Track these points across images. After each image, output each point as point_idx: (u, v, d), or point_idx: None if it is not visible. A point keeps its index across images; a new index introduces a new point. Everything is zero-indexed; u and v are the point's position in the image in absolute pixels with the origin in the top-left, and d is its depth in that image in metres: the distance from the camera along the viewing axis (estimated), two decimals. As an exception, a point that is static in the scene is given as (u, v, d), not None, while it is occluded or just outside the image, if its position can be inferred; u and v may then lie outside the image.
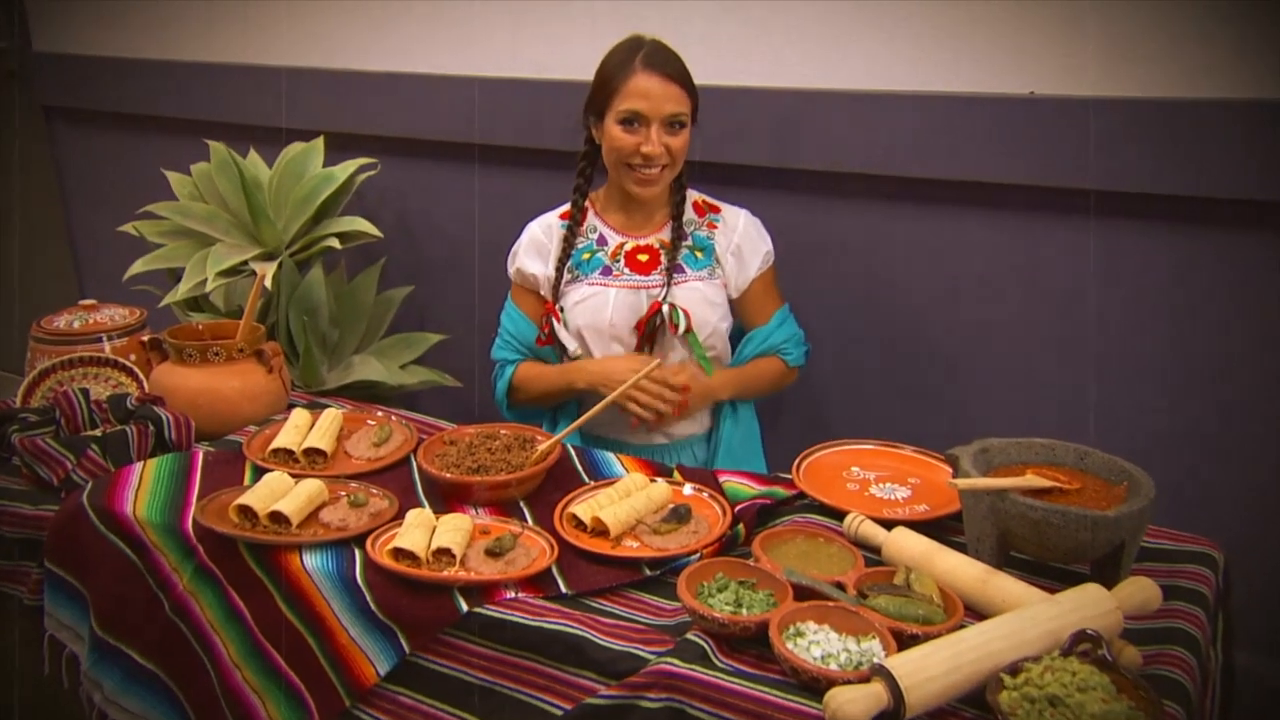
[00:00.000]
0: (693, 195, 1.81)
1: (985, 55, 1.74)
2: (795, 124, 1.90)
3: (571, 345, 1.75)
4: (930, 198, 1.84)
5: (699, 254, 1.77)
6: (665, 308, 1.71)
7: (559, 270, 1.77)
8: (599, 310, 1.73)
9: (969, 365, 1.89)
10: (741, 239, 1.79)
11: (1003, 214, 1.79)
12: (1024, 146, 1.71)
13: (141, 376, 1.77)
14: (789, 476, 1.45)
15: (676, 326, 1.71)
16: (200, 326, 1.77)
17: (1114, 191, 1.67)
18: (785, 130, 1.91)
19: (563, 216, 1.81)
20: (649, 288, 1.74)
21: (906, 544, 1.23)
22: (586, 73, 1.75)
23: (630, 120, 1.66)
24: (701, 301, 1.75)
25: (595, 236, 1.78)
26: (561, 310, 1.76)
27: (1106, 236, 1.72)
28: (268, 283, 1.99)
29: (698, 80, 1.70)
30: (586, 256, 1.77)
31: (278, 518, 1.32)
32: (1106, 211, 1.70)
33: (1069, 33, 1.67)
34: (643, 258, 1.76)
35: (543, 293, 1.79)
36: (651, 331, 1.72)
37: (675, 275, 1.75)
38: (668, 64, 1.66)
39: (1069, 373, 1.80)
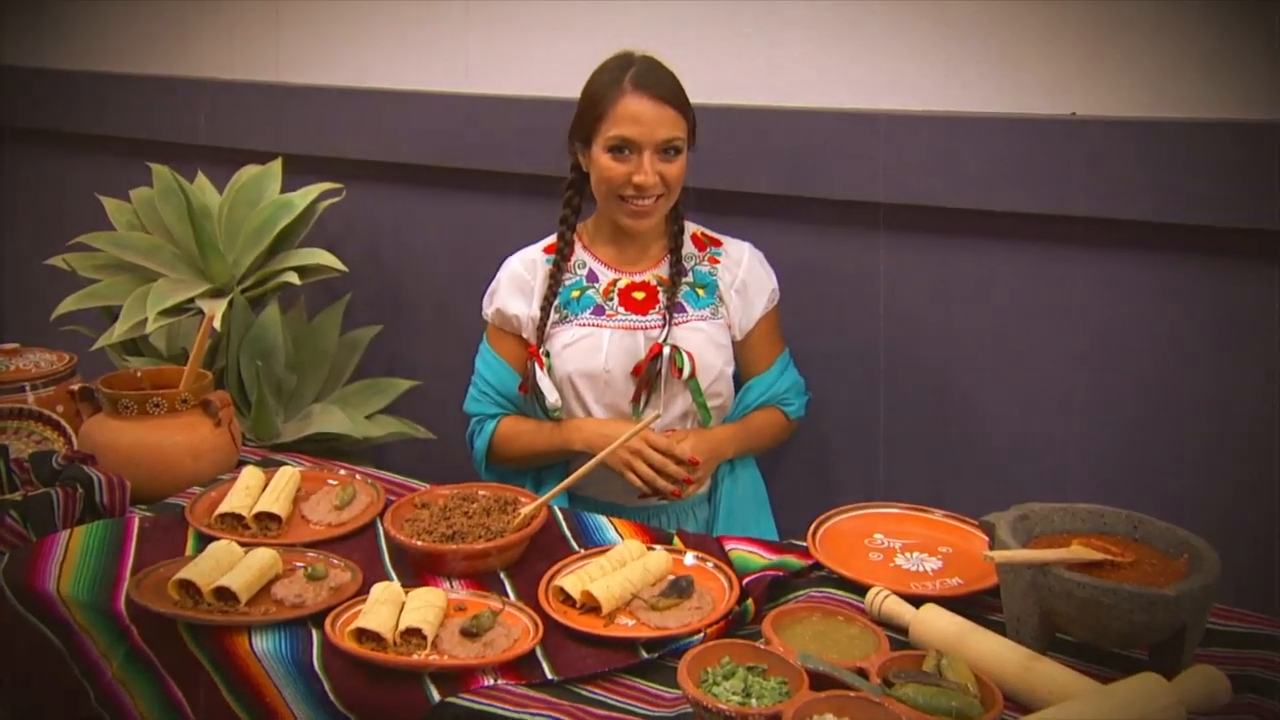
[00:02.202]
0: (691, 227, 1.83)
1: (1021, 71, 1.76)
2: (806, 147, 1.91)
3: (552, 396, 1.74)
4: (959, 230, 1.86)
5: (700, 291, 1.78)
6: (667, 350, 1.71)
7: (544, 310, 1.77)
8: (591, 354, 1.74)
9: (1004, 417, 1.89)
10: (747, 275, 1.81)
11: (1041, 247, 1.80)
12: (1066, 173, 1.72)
13: (70, 431, 1.77)
14: (803, 544, 1.45)
15: (680, 370, 1.71)
16: (138, 374, 1.77)
17: (1168, 223, 1.68)
18: (795, 154, 1.92)
19: (548, 250, 1.81)
20: (646, 329, 1.75)
21: (937, 624, 1.22)
22: (575, 90, 1.76)
23: (620, 148, 1.67)
24: (706, 343, 1.75)
25: (585, 272, 1.79)
26: (547, 355, 1.76)
27: (1161, 273, 1.73)
28: (216, 323, 1.99)
29: (695, 99, 1.72)
30: (576, 294, 1.78)
31: (224, 594, 1.31)
32: (1161, 245, 1.71)
33: (1116, 47, 1.69)
34: (638, 295, 1.77)
35: (525, 335, 1.80)
36: (651, 377, 1.72)
37: (675, 315, 1.75)
38: (660, 84, 1.67)
39: (1118, 427, 1.80)
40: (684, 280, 1.78)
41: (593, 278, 1.79)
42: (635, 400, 1.74)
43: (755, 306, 1.81)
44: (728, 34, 1.98)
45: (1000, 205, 1.79)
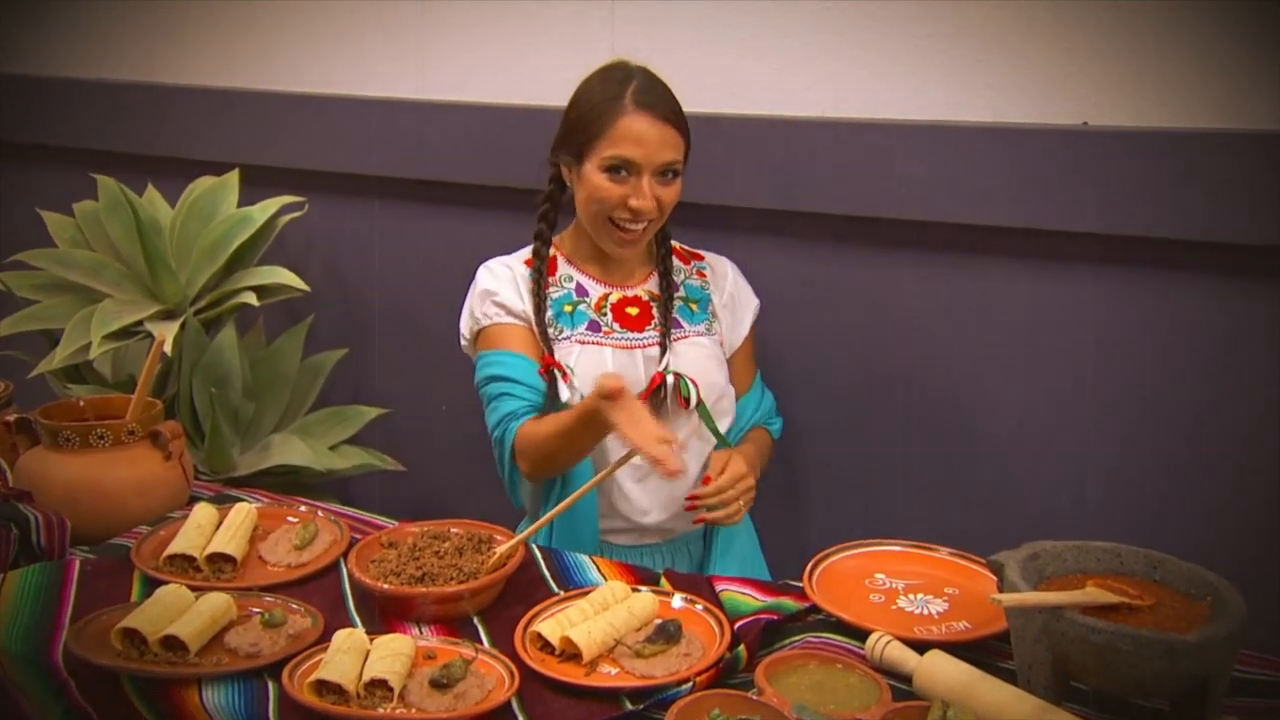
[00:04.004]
0: (671, 241, 1.84)
1: (1030, 79, 1.77)
2: (802, 159, 1.92)
3: (565, 395, 1.66)
4: (963, 245, 1.87)
5: (694, 306, 1.80)
6: (670, 379, 1.71)
7: (540, 325, 1.76)
8: (596, 375, 1.73)
9: (1014, 447, 1.89)
10: (734, 290, 1.85)
11: (1050, 264, 1.81)
12: (1077, 186, 1.73)
13: (4, 466, 1.76)
14: (799, 585, 1.45)
15: (687, 400, 1.71)
16: (81, 403, 1.76)
17: (1185, 240, 1.69)
18: (790, 166, 1.93)
19: (526, 263, 1.81)
20: (644, 346, 1.75)
21: (943, 672, 1.22)
22: (552, 98, 1.77)
23: (618, 168, 1.67)
24: (708, 360, 1.77)
25: (572, 286, 1.80)
26: (569, 369, 1.70)
27: (1179, 293, 1.74)
28: (167, 348, 1.98)
29: (695, 109, 1.72)
30: (568, 309, 1.77)
31: (172, 643, 1.30)
32: (1179, 263, 1.72)
33: (1130, 54, 1.71)
34: (632, 311, 1.78)
35: (534, 330, 1.74)
36: (655, 408, 1.71)
37: (673, 330, 1.77)
38: (663, 102, 1.67)
39: (1135, 458, 1.80)
40: (676, 295, 1.79)
41: (582, 291, 1.79)
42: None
43: (743, 324, 1.84)
44: (719, 41, 1.99)
45: (1007, 220, 1.80)
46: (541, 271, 1.78)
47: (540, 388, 1.71)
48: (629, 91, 1.67)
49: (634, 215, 1.68)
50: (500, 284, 1.77)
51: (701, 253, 1.86)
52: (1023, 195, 1.77)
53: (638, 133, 1.65)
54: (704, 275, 1.83)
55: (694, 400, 1.71)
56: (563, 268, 1.80)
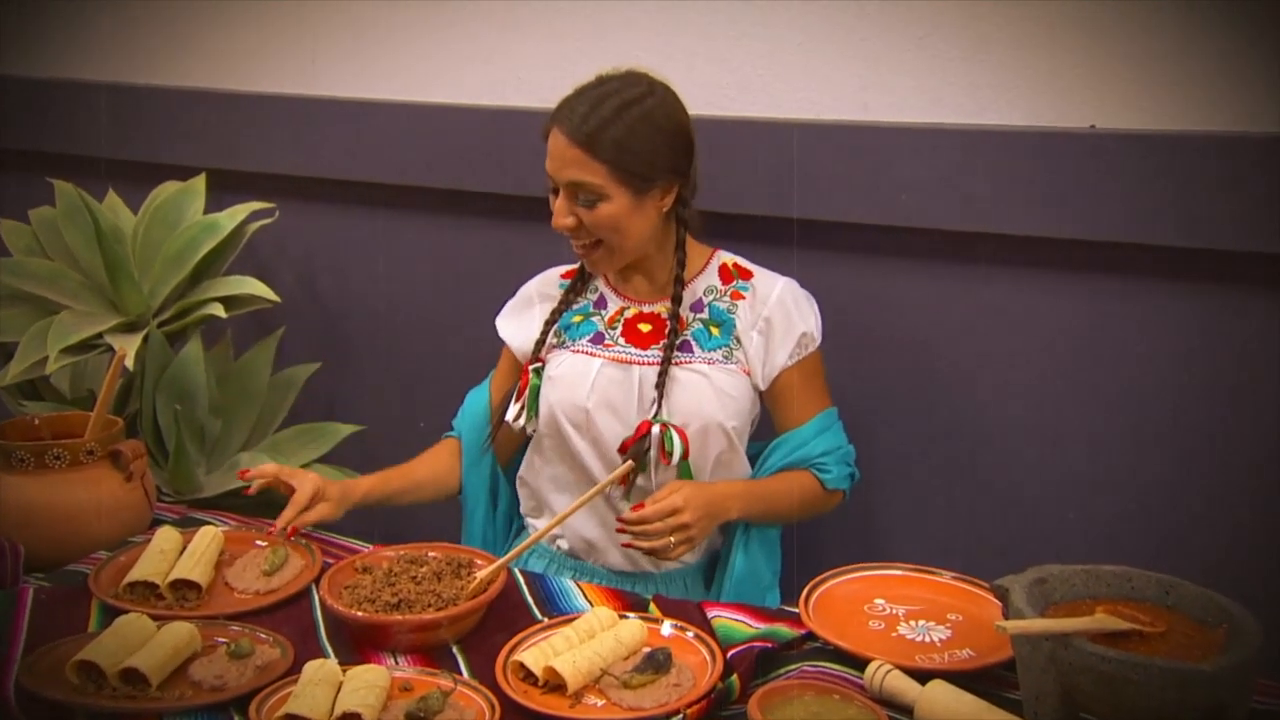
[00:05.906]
0: (724, 257, 1.83)
1: (1035, 81, 1.78)
2: (797, 164, 1.93)
3: (511, 412, 1.80)
4: (964, 254, 1.87)
5: (714, 330, 1.76)
6: (656, 429, 1.69)
7: (545, 331, 1.81)
8: (575, 385, 1.74)
9: (1016, 465, 1.90)
10: (773, 313, 1.76)
11: (1058, 274, 1.82)
12: (1082, 191, 1.74)
13: (-44, 488, 1.74)
14: (794, 611, 1.45)
15: (669, 456, 1.69)
16: (36, 421, 1.76)
17: (1196, 248, 1.70)
18: (784, 171, 1.94)
19: (565, 276, 1.86)
20: (643, 364, 1.75)
21: (946, 703, 1.22)
22: (537, 100, 1.77)
23: (550, 182, 1.70)
24: (705, 389, 1.73)
25: (595, 298, 1.83)
26: (536, 374, 1.79)
27: (1191, 303, 1.74)
28: (129, 362, 1.98)
29: (691, 110, 1.72)
30: (578, 319, 1.81)
31: (132, 676, 1.29)
32: (1190, 273, 1.73)
33: (1139, 55, 1.71)
34: (644, 327, 1.78)
35: (518, 356, 1.85)
36: (639, 456, 1.69)
37: (679, 354, 1.74)
38: (583, 121, 1.63)
39: (1148, 477, 1.81)
40: (698, 316, 1.78)
41: (601, 304, 1.82)
42: (625, 486, 1.71)
43: (779, 351, 1.75)
44: (713, 39, 2.00)
45: (1010, 228, 1.81)
46: (579, 281, 1.84)
47: (472, 415, 1.89)
48: (560, 107, 1.68)
49: (569, 233, 1.70)
50: (512, 303, 1.89)
51: (755, 270, 1.81)
52: (1026, 200, 1.78)
53: (550, 148, 1.68)
54: (741, 296, 1.78)
55: (677, 456, 1.69)
56: (597, 280, 1.84)
